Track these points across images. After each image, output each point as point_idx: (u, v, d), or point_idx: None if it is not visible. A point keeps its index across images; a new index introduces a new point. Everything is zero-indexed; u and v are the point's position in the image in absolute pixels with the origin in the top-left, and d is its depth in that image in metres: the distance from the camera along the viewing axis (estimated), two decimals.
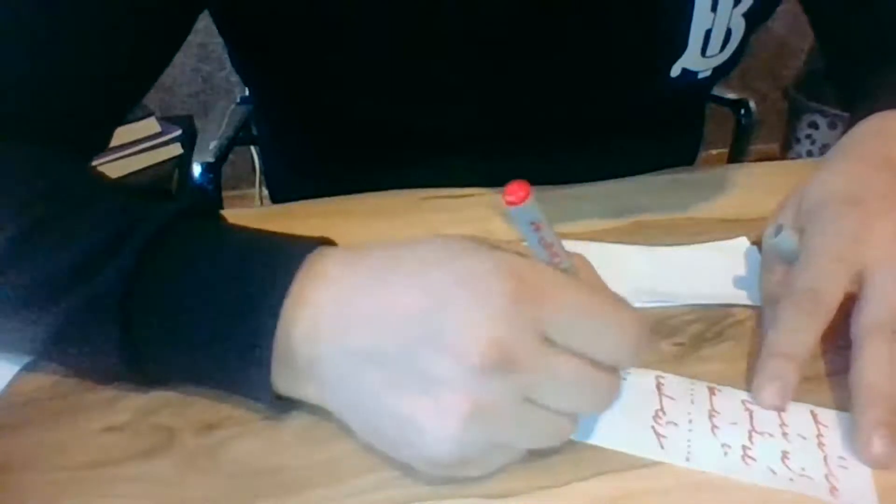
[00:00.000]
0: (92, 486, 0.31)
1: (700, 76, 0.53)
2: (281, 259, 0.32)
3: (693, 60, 0.52)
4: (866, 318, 0.36)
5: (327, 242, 0.34)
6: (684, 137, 0.71)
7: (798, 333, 0.36)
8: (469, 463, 0.29)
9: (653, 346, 0.37)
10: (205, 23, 0.51)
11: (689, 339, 0.39)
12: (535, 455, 0.32)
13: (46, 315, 0.32)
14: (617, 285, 0.43)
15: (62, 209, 0.34)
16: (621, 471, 0.31)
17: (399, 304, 0.29)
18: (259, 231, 0.34)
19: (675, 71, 0.52)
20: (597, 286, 0.32)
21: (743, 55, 0.54)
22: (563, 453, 0.32)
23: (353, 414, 0.31)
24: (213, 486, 0.31)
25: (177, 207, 0.34)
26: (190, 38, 0.49)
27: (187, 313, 0.32)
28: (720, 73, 0.54)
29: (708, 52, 0.51)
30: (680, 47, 0.51)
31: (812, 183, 0.43)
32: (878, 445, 0.32)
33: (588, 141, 0.56)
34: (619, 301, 0.31)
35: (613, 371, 0.30)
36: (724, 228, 0.48)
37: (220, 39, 0.55)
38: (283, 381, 0.32)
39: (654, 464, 0.32)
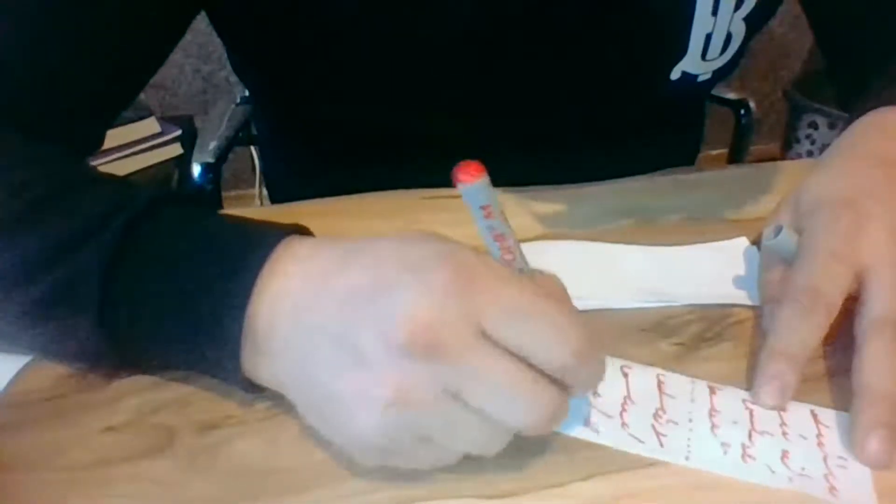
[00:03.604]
0: (92, 486, 0.31)
1: (700, 79, 0.53)
2: (255, 241, 0.33)
3: (693, 64, 0.52)
4: (866, 318, 0.36)
5: (302, 230, 0.35)
6: (684, 138, 0.71)
7: (797, 332, 0.36)
8: (393, 453, 0.29)
9: (600, 348, 0.31)
10: (205, 23, 0.51)
11: (689, 339, 0.39)
12: (534, 454, 0.32)
13: (28, 291, 0.33)
14: (617, 285, 0.43)
15: (55, 193, 0.35)
16: (621, 471, 0.31)
17: (350, 286, 0.30)
18: (236, 217, 0.36)
19: (675, 74, 0.52)
20: (552, 293, 0.30)
21: (743, 57, 0.54)
22: (563, 453, 0.32)
23: (298, 391, 0.32)
24: (213, 486, 0.31)
25: (162, 192, 0.35)
26: (190, 38, 0.49)
27: (162, 288, 0.33)
28: (720, 75, 0.54)
29: (708, 56, 0.51)
30: (680, 51, 0.51)
31: (808, 183, 0.43)
32: (874, 445, 0.32)
33: (588, 142, 0.56)
34: (571, 310, 0.29)
35: (558, 385, 0.28)
36: (724, 228, 0.48)
37: (220, 39, 0.55)
38: (248, 360, 0.32)
39: (654, 463, 0.32)
